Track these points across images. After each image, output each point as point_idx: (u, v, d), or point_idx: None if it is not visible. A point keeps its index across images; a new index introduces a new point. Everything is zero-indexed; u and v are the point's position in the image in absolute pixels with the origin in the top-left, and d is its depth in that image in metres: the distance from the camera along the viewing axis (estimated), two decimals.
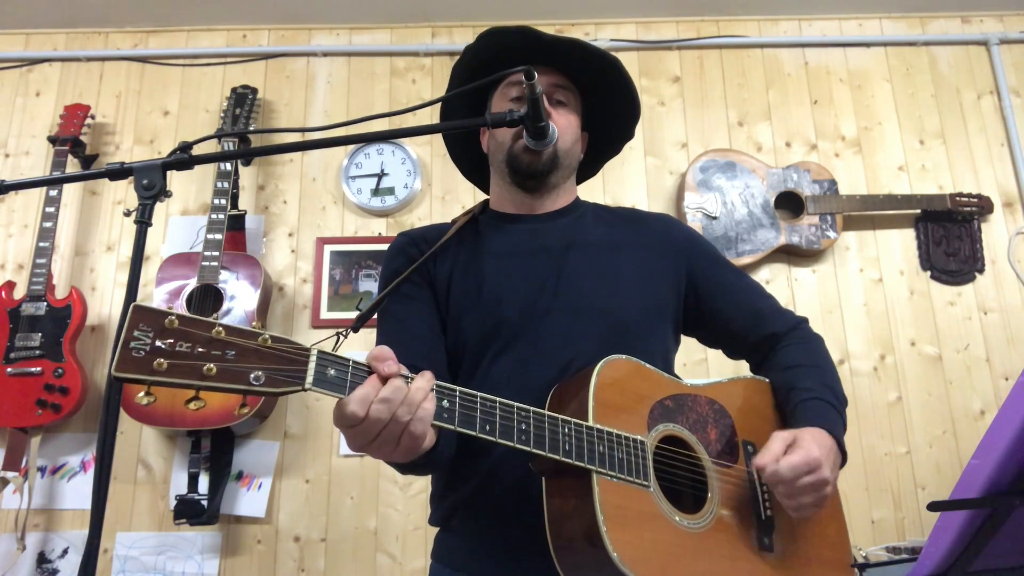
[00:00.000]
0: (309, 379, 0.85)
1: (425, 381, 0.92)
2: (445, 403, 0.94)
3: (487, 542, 1.16)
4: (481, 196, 1.48)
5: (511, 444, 0.96)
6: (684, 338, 1.40)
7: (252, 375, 0.82)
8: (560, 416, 1.01)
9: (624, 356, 1.12)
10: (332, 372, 0.88)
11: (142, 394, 0.82)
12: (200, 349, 0.81)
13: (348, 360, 0.90)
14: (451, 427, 0.93)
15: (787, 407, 1.24)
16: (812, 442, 1.07)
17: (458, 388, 0.95)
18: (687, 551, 1.03)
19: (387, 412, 0.88)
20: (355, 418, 0.88)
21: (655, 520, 1.03)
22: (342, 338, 1.12)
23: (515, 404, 0.98)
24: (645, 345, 1.22)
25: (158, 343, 0.79)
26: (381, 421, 0.88)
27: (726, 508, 1.11)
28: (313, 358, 0.86)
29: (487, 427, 0.95)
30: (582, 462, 0.99)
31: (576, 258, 1.28)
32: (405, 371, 0.92)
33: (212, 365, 0.80)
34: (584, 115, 1.40)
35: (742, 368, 1.41)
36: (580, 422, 1.02)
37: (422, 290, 1.27)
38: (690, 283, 1.33)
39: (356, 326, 1.19)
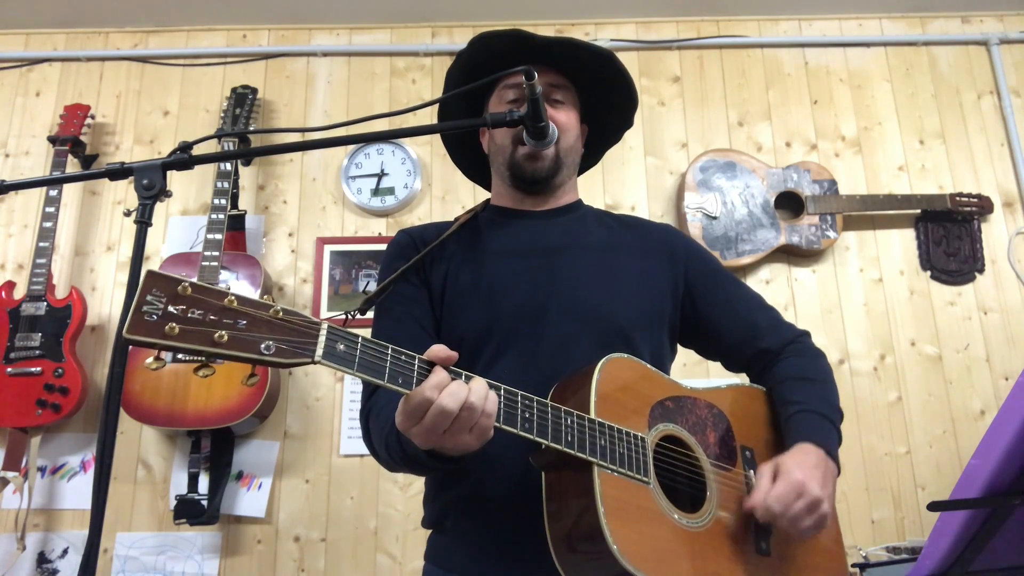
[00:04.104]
0: (319, 351, 0.85)
1: (484, 382, 0.94)
2: None
3: (482, 542, 1.16)
4: (482, 195, 1.48)
5: (514, 431, 0.96)
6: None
7: (263, 344, 0.82)
8: (563, 407, 1.01)
9: (626, 355, 1.12)
10: (342, 347, 0.87)
11: (151, 359, 0.82)
12: (212, 317, 0.81)
13: (358, 336, 0.89)
14: None
15: (780, 420, 1.24)
16: (794, 466, 1.07)
17: (464, 372, 0.95)
18: (685, 549, 1.04)
19: (454, 404, 0.90)
20: (423, 407, 0.89)
21: (654, 516, 1.03)
22: (349, 317, 1.12)
23: (519, 392, 0.98)
24: (639, 350, 1.22)
25: (171, 308, 0.79)
26: (448, 413, 0.89)
27: (724, 510, 1.12)
28: (323, 332, 0.86)
29: None
30: (584, 454, 0.99)
31: (574, 258, 1.28)
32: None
33: (224, 332, 0.80)
34: (582, 108, 1.40)
35: (741, 375, 1.40)
36: (583, 414, 1.02)
37: (418, 290, 1.27)
38: (688, 292, 1.32)
39: (363, 308, 1.20)
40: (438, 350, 0.93)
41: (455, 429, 0.91)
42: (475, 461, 1.14)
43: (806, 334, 1.36)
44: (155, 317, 0.78)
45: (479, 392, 0.91)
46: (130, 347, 0.88)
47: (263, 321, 0.83)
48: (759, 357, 1.32)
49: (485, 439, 0.95)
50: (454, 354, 0.93)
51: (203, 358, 0.83)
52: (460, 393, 0.90)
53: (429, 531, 1.27)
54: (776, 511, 1.05)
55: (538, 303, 1.22)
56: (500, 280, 1.25)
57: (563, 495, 1.02)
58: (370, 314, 1.28)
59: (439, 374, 0.91)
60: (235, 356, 0.81)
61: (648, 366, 1.15)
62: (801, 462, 1.09)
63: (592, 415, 1.03)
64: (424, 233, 1.34)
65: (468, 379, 0.93)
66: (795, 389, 1.24)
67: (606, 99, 1.41)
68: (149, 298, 0.79)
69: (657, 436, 1.11)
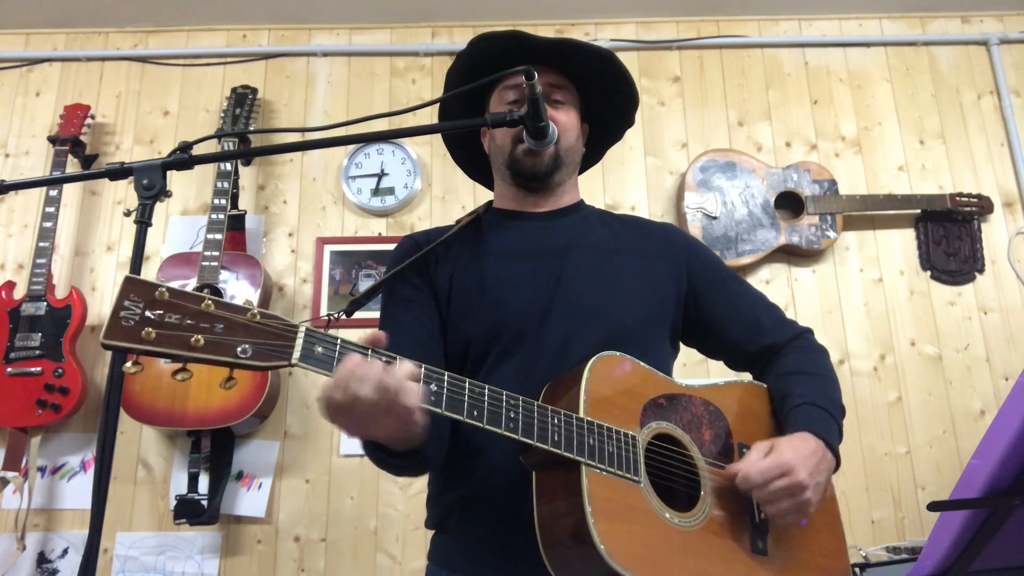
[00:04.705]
0: (296, 355, 0.86)
1: (409, 364, 0.92)
2: (433, 387, 0.94)
3: (483, 543, 1.16)
4: (482, 195, 1.48)
5: (499, 431, 0.96)
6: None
7: (239, 348, 0.83)
8: (550, 406, 1.01)
9: (618, 352, 1.12)
10: (320, 349, 0.88)
11: (129, 364, 0.83)
12: (189, 321, 0.82)
13: (336, 339, 0.90)
14: (438, 410, 0.93)
15: (781, 414, 1.23)
16: (788, 448, 1.08)
17: (446, 373, 0.95)
18: (677, 548, 1.03)
19: (366, 390, 0.87)
20: (331, 402, 0.88)
21: (644, 515, 1.02)
22: (333, 319, 1.12)
23: (504, 392, 0.98)
24: (643, 350, 1.21)
25: (148, 313, 0.81)
26: (361, 400, 0.87)
27: (719, 509, 1.11)
28: (301, 334, 0.87)
29: (475, 412, 0.95)
30: (571, 453, 0.99)
31: (577, 260, 1.28)
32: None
33: (200, 336, 0.82)
34: (583, 107, 1.40)
35: (743, 374, 1.39)
36: (570, 413, 1.02)
37: (423, 294, 1.27)
38: (691, 291, 1.32)
39: (349, 310, 1.20)
40: (372, 336, 0.94)
41: (369, 415, 0.90)
42: (477, 464, 1.15)
43: (809, 331, 1.36)
44: (132, 322, 0.80)
45: (396, 372, 0.90)
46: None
47: (240, 325, 0.84)
48: (762, 354, 1.32)
49: (408, 431, 0.94)
50: (380, 335, 0.94)
51: (181, 362, 0.83)
52: (372, 370, 0.89)
53: (431, 532, 1.27)
54: (755, 482, 1.05)
55: (542, 305, 1.22)
56: (504, 282, 1.25)
57: (552, 495, 1.02)
58: (358, 315, 1.28)
59: (349, 362, 0.89)
60: (211, 360, 0.82)
61: (641, 364, 1.15)
62: (796, 447, 1.09)
63: (581, 414, 1.02)
64: (429, 237, 1.34)
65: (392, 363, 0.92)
66: (796, 383, 1.24)
67: (606, 98, 1.41)
68: (127, 303, 0.80)
69: (649, 434, 1.10)
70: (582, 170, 1.48)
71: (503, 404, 0.97)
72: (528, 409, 0.99)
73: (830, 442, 1.14)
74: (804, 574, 1.14)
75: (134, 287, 0.81)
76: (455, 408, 0.94)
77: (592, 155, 1.50)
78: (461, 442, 1.17)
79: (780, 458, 1.05)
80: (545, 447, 0.98)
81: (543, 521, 1.01)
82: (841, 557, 1.20)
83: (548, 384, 1.12)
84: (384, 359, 0.91)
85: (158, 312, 0.81)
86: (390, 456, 1.06)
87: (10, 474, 2.38)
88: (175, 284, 0.85)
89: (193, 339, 0.81)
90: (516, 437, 0.97)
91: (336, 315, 1.17)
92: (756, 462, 1.06)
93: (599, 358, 1.08)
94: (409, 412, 0.90)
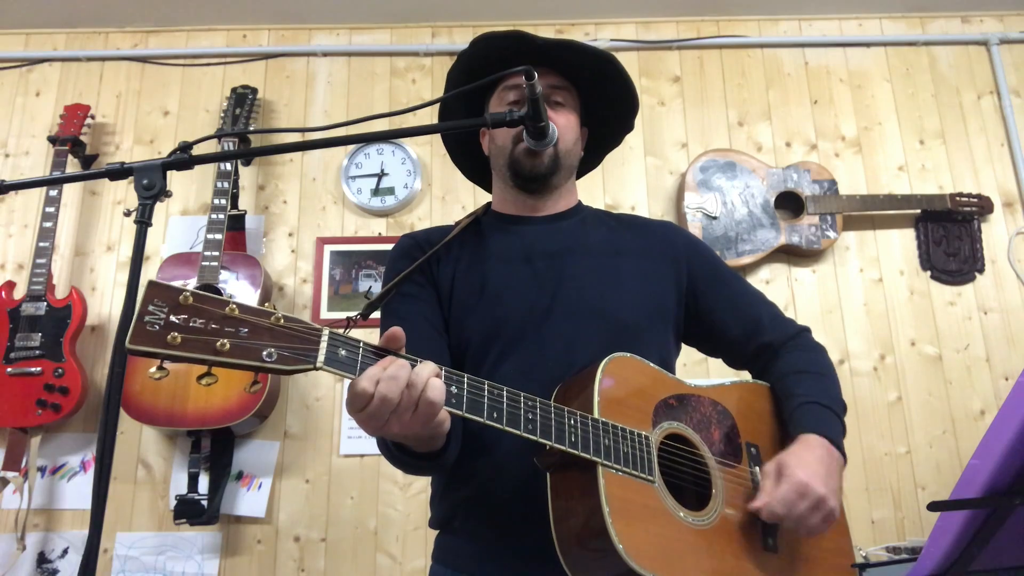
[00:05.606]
0: (320, 358, 0.86)
1: (432, 364, 0.92)
2: (453, 388, 0.94)
3: (490, 543, 1.16)
4: (482, 196, 1.48)
5: (518, 432, 0.96)
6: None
7: (264, 352, 0.83)
8: (566, 408, 1.02)
9: (628, 354, 1.12)
10: (343, 352, 0.88)
11: (154, 368, 0.83)
12: (214, 325, 0.81)
13: (359, 341, 0.90)
14: (459, 412, 0.94)
15: (784, 413, 1.24)
16: (796, 465, 1.08)
17: (466, 375, 0.95)
18: (691, 547, 1.04)
19: (395, 389, 0.88)
20: (365, 395, 0.88)
21: (660, 515, 1.03)
22: (350, 323, 1.13)
23: (522, 393, 0.99)
24: (646, 348, 1.22)
25: (172, 318, 0.80)
26: (390, 400, 0.88)
27: (730, 507, 1.12)
28: (325, 338, 0.87)
29: (494, 414, 0.95)
30: (588, 454, 0.99)
31: (577, 261, 1.28)
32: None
33: (225, 341, 0.81)
34: (583, 110, 1.40)
35: (743, 373, 1.40)
36: (586, 414, 1.02)
37: (426, 290, 1.28)
38: (690, 289, 1.33)
39: (364, 313, 1.20)
40: (392, 333, 0.93)
41: (398, 413, 0.90)
42: (483, 462, 1.15)
43: (807, 329, 1.37)
44: (157, 327, 0.79)
45: (421, 373, 0.90)
46: None
47: (264, 328, 0.84)
48: (761, 352, 1.33)
49: (431, 428, 0.94)
50: (399, 331, 0.93)
51: (206, 367, 0.83)
52: (402, 373, 0.89)
53: (435, 531, 1.27)
54: (780, 513, 1.06)
55: (543, 306, 1.22)
56: (505, 285, 1.25)
57: (568, 495, 1.02)
58: (372, 316, 1.28)
59: (377, 366, 0.90)
60: (238, 364, 0.82)
61: (651, 364, 1.16)
62: (804, 459, 1.09)
63: (595, 415, 1.03)
64: (429, 236, 1.34)
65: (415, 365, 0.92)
66: (798, 382, 1.25)
67: (607, 101, 1.41)
68: (151, 308, 0.79)
69: (661, 434, 1.11)
70: (581, 174, 1.48)
71: (521, 406, 0.98)
72: (545, 410, 1.00)
73: (834, 440, 1.15)
74: (814, 571, 1.15)
75: (158, 292, 0.80)
76: (475, 410, 0.95)
77: (591, 160, 1.50)
78: (466, 440, 1.17)
79: (793, 481, 1.06)
80: (563, 448, 0.98)
81: (559, 522, 1.01)
82: (847, 551, 1.22)
83: (560, 385, 1.12)
84: (408, 360, 0.92)
85: (183, 316, 0.80)
86: (411, 456, 1.07)
87: (10, 474, 2.38)
88: (177, 284, 0.84)
89: (219, 343, 0.80)
90: (535, 438, 0.97)
91: (352, 320, 1.18)
92: (773, 492, 1.07)
93: (611, 359, 1.09)
94: (434, 409, 0.91)
